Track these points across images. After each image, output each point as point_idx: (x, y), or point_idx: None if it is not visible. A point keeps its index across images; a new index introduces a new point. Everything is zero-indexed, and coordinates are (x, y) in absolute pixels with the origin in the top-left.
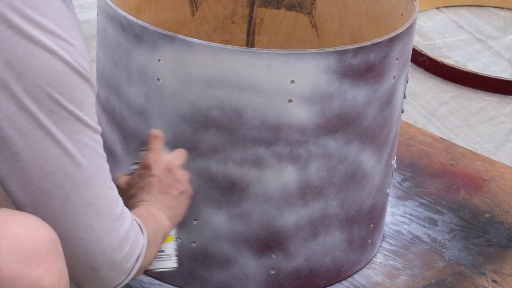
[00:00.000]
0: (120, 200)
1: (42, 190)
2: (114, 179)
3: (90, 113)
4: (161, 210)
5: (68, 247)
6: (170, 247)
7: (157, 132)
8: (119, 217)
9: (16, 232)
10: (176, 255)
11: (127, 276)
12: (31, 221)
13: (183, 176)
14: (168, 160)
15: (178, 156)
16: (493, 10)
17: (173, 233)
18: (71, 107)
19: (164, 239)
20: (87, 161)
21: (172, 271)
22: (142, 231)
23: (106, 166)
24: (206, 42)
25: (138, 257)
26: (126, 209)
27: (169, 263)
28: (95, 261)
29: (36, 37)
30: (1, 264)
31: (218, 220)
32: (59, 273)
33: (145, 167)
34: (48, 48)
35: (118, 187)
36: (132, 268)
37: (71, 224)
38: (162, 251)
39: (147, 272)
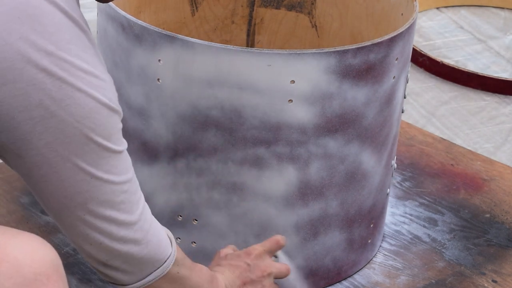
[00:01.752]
0: (143, 207)
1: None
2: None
3: (118, 140)
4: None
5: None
6: None
7: (282, 239)
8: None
9: (16, 255)
10: None
11: (140, 280)
12: (31, 243)
13: (269, 285)
14: (269, 263)
15: (280, 268)
16: (493, 10)
17: None
18: (100, 139)
19: None
20: (114, 177)
21: None
22: (171, 244)
23: (132, 178)
24: (206, 42)
25: (159, 266)
26: (148, 216)
27: None
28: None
29: (67, 78)
30: None
31: (218, 220)
32: None
33: (247, 253)
34: (80, 88)
35: (218, 253)
36: (149, 275)
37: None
38: None
39: None
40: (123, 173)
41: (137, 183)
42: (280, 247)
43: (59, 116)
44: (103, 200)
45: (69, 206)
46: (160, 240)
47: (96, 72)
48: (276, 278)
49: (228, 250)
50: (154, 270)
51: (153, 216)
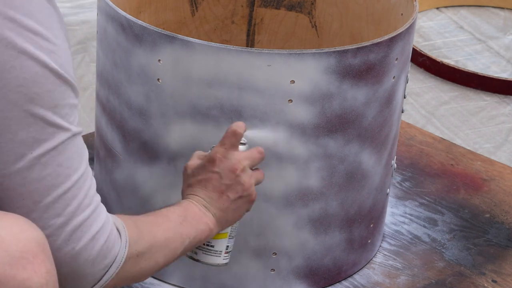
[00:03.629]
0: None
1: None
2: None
3: (68, 116)
4: (210, 210)
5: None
6: (222, 244)
7: (239, 126)
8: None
9: (1, 235)
10: (227, 252)
11: (97, 282)
12: (16, 223)
13: (249, 179)
14: (236, 159)
15: (252, 156)
16: (493, 10)
17: (228, 230)
18: (43, 111)
19: (203, 239)
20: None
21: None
22: (120, 236)
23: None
24: (206, 42)
25: (111, 265)
26: (103, 212)
27: (216, 259)
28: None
29: (13, 37)
30: None
31: None
32: (47, 273)
33: (210, 160)
34: (27, 49)
35: (185, 169)
36: (103, 275)
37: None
38: (212, 246)
39: (193, 261)
40: (72, 164)
41: (91, 182)
42: (240, 136)
43: (3, 79)
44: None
45: None
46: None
47: (49, 35)
48: (253, 166)
49: (194, 161)
50: (107, 270)
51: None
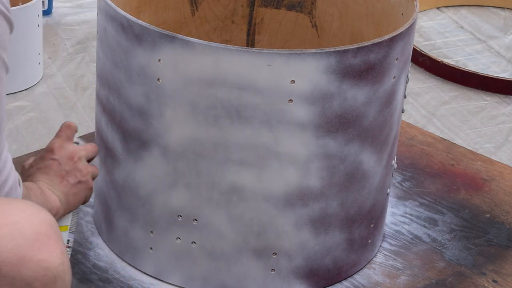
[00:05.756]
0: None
1: None
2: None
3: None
4: (54, 192)
5: None
6: (63, 238)
7: (71, 123)
8: None
9: (15, 219)
10: (68, 247)
11: None
12: (27, 207)
13: (86, 168)
14: (73, 149)
15: (86, 148)
16: (493, 10)
17: (68, 223)
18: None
19: (54, 216)
20: None
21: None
22: (19, 184)
23: None
24: (206, 42)
25: None
26: (9, 159)
27: None
28: None
29: None
30: (5, 251)
31: (218, 220)
32: (62, 254)
33: (48, 150)
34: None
35: (22, 168)
36: None
37: None
38: None
39: None
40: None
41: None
42: (74, 130)
43: None
44: None
45: None
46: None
47: None
48: (88, 157)
49: (29, 160)
50: None
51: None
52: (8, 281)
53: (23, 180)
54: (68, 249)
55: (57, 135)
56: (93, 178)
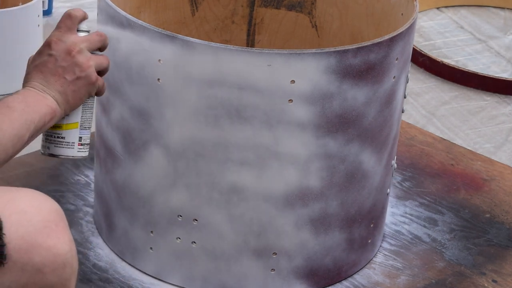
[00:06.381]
0: None
1: None
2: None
3: None
4: (49, 93)
5: None
6: (73, 135)
7: (75, 10)
8: None
9: (23, 207)
10: (82, 144)
11: None
12: (34, 196)
13: (86, 61)
14: (72, 42)
15: (89, 39)
16: (493, 10)
17: (78, 119)
18: None
19: (48, 122)
20: None
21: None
22: None
23: None
24: (206, 42)
25: None
26: None
27: (70, 151)
28: None
29: None
30: (15, 238)
31: (218, 220)
32: (70, 241)
33: (46, 45)
34: None
35: (28, 60)
36: None
37: None
38: (62, 137)
39: (45, 155)
40: None
41: None
42: (78, 18)
43: None
44: None
45: None
46: None
47: None
48: (92, 49)
49: (33, 55)
50: None
51: None
52: (19, 268)
53: (25, 78)
54: (80, 147)
55: (57, 26)
56: (100, 70)
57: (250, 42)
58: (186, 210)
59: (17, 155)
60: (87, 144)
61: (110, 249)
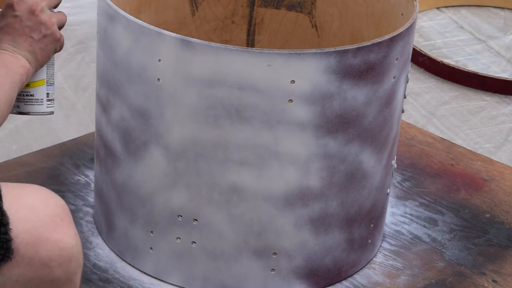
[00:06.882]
0: None
1: None
2: None
3: None
4: (20, 53)
5: None
6: (41, 92)
7: None
8: None
9: (30, 202)
10: (49, 100)
11: None
12: (41, 191)
13: (49, 19)
14: (34, 1)
15: None
16: (493, 10)
17: (44, 76)
18: None
19: (24, 81)
20: None
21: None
22: None
23: None
24: (206, 42)
25: None
26: None
27: (40, 107)
28: None
29: None
30: (22, 232)
31: (218, 220)
32: (75, 236)
33: (8, 6)
34: None
35: None
36: None
37: None
38: (32, 95)
39: (14, 113)
40: None
41: None
42: None
43: None
44: None
45: None
46: None
47: None
48: (51, 6)
49: None
50: None
51: None
52: (26, 262)
53: None
54: (49, 103)
55: None
56: (61, 27)
57: (250, 42)
58: (186, 210)
59: (17, 155)
60: (53, 100)
61: (110, 249)
